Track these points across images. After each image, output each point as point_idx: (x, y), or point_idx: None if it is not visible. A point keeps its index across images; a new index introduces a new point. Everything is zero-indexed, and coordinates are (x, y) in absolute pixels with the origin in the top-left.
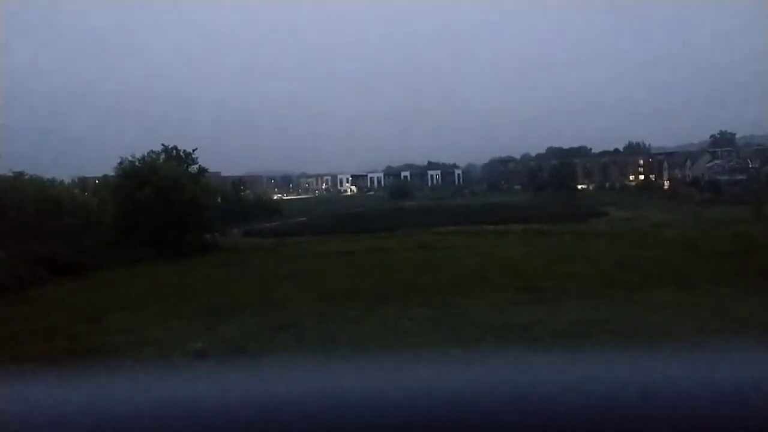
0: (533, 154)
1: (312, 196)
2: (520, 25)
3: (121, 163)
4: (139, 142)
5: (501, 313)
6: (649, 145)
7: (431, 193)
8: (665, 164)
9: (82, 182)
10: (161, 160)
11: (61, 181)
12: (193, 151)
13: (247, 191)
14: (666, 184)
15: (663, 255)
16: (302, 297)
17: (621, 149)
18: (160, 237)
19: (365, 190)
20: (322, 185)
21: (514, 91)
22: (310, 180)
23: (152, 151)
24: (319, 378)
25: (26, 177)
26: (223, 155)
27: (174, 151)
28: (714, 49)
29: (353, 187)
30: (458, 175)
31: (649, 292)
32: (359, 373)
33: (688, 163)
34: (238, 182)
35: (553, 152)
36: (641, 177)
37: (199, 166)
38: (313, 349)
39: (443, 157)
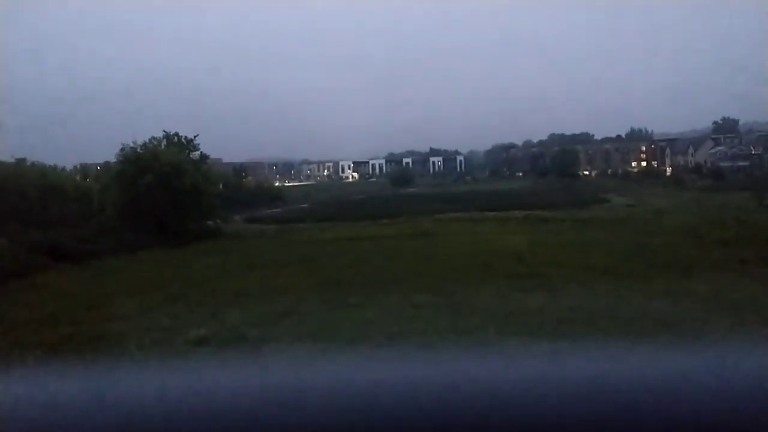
0: (535, 140)
1: (313, 182)
2: (523, 12)
3: (122, 150)
4: (140, 129)
5: (503, 300)
6: (652, 131)
7: (433, 180)
8: (668, 151)
9: (84, 169)
10: (163, 147)
11: (63, 168)
12: (195, 137)
13: (249, 178)
14: (668, 170)
15: (665, 242)
16: (304, 284)
17: (623, 136)
18: (162, 224)
19: (367, 176)
20: (324, 172)
21: (516, 77)
22: (311, 167)
23: (154, 138)
24: (321, 364)
25: (28, 164)
26: (224, 142)
27: (175, 138)
28: (717, 35)
29: (355, 174)
30: (460, 161)
31: (651, 279)
32: (361, 360)
33: (691, 149)
34: (240, 169)
35: (556, 139)
36: (643, 163)
37: (201, 152)
38: (315, 336)
39: (445, 143)
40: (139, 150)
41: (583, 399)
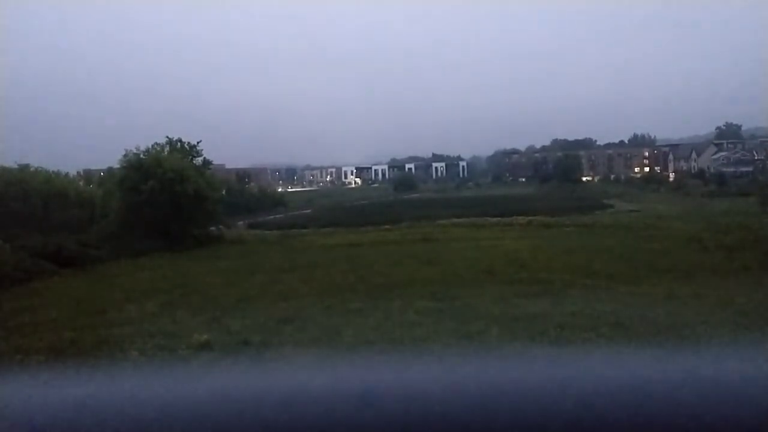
0: (538, 146)
1: (316, 188)
2: (525, 18)
3: (126, 156)
4: (144, 135)
5: (505, 306)
6: (655, 137)
7: (436, 186)
8: (670, 156)
9: (87, 175)
10: (166, 153)
11: (66, 174)
12: (198, 143)
13: (252, 183)
14: (671, 176)
15: (668, 247)
16: (307, 289)
17: (626, 141)
18: (165, 229)
19: (369, 182)
20: (327, 177)
21: (519, 83)
22: (314, 172)
23: (157, 144)
24: (324, 370)
25: (31, 169)
26: (227, 147)
27: (178, 144)
28: (720, 41)
29: (357, 180)
30: (463, 167)
31: (654, 284)
32: (363, 366)
33: (694, 155)
34: (243, 174)
35: (558, 144)
36: (646, 169)
37: (204, 158)
38: (318, 342)
39: (448, 149)
40: (142, 156)
41: (586, 404)
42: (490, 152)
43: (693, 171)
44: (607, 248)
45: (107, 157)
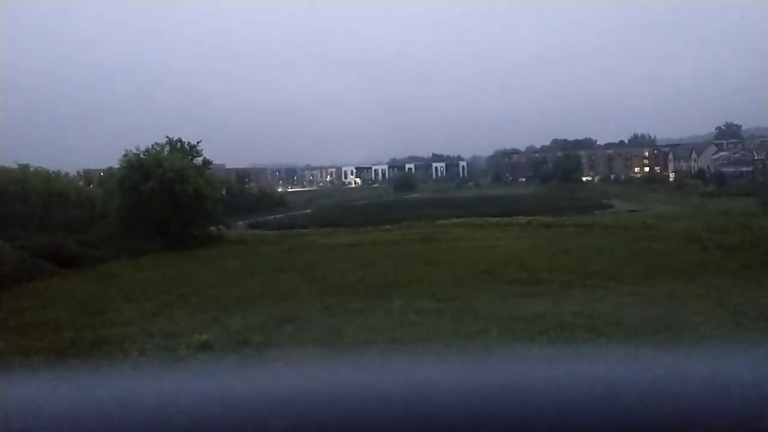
0: (538, 146)
1: (316, 188)
2: (526, 18)
3: (125, 156)
4: (144, 135)
5: (505, 306)
6: (655, 137)
7: (436, 186)
8: (670, 156)
9: (87, 175)
10: (166, 153)
11: (66, 174)
12: (198, 143)
13: (252, 183)
14: (671, 176)
15: (668, 247)
16: (307, 289)
17: (626, 141)
18: (165, 229)
19: (369, 182)
20: (327, 177)
21: (519, 83)
22: (314, 172)
23: (157, 144)
24: (324, 370)
25: (31, 169)
26: (227, 147)
27: (178, 144)
28: (720, 41)
29: (357, 180)
30: (463, 167)
31: (654, 285)
32: (364, 366)
33: (694, 155)
34: (243, 174)
35: (558, 144)
36: (646, 169)
37: (204, 158)
38: (318, 341)
39: (448, 149)
40: (142, 156)
41: (586, 404)
42: (490, 152)
43: (693, 171)
44: (607, 248)
45: (107, 157)
